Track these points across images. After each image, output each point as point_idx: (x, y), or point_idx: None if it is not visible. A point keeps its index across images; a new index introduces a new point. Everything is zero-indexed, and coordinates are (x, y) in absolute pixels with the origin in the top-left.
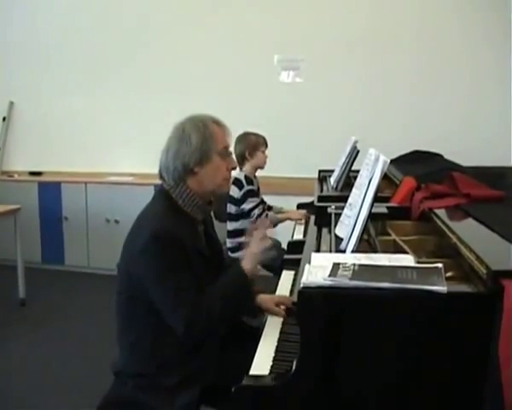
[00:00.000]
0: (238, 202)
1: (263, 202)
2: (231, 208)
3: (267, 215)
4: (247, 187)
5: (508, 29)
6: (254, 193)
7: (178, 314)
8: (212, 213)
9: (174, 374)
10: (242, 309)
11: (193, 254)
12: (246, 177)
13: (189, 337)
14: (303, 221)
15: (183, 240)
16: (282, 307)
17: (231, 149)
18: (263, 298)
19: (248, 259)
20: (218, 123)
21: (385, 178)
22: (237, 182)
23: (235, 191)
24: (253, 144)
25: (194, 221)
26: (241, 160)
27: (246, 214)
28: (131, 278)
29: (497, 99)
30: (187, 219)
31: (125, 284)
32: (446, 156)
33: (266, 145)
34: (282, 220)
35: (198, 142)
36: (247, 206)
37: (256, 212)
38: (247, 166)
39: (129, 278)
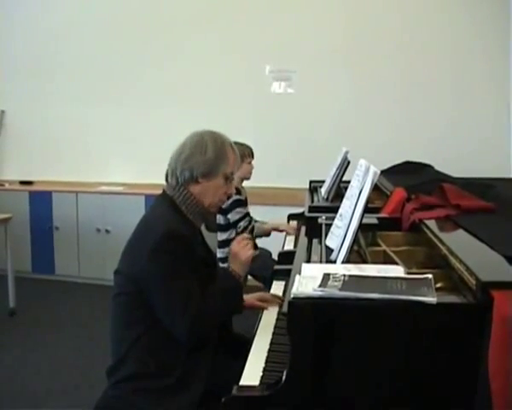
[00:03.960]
0: (226, 211)
1: (249, 214)
2: (220, 219)
3: (253, 227)
4: (234, 197)
5: (502, 30)
6: (242, 203)
7: (183, 322)
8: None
9: (173, 375)
10: (235, 310)
11: (197, 259)
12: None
13: (189, 343)
14: (292, 232)
15: (191, 244)
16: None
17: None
18: (245, 298)
19: (233, 261)
20: (233, 149)
21: (375, 188)
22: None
23: None
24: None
25: (195, 228)
26: None
27: (232, 225)
28: (134, 280)
29: (492, 105)
30: (189, 225)
31: (126, 286)
32: (440, 166)
33: (252, 156)
34: (268, 231)
35: (212, 156)
36: (233, 217)
37: (242, 224)
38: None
39: (131, 280)
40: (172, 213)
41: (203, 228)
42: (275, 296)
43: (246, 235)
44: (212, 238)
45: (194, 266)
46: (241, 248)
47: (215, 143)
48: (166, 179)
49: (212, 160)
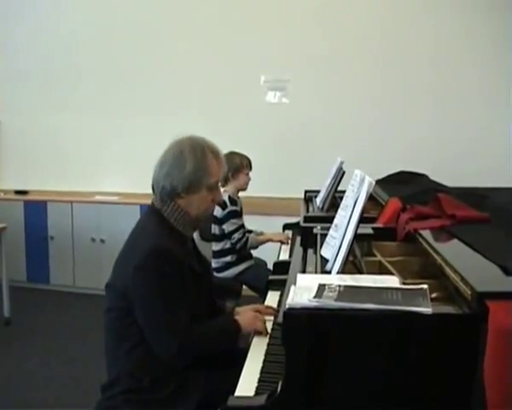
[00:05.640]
0: (221, 221)
1: (243, 226)
2: (215, 229)
3: (248, 239)
4: (230, 207)
5: (502, 31)
6: (237, 214)
7: (170, 345)
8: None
9: (167, 387)
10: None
11: (187, 272)
12: (229, 197)
13: (171, 363)
14: (287, 243)
15: (179, 257)
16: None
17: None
18: (239, 310)
19: (247, 322)
20: (216, 155)
21: (371, 198)
22: (221, 202)
23: (218, 211)
24: (236, 166)
25: (185, 239)
26: (224, 180)
27: (227, 236)
28: (124, 296)
29: (492, 110)
30: (179, 236)
31: (117, 302)
32: (438, 175)
33: (250, 167)
34: (262, 242)
35: (191, 171)
36: (228, 227)
37: (236, 236)
38: (230, 187)
39: (121, 296)
40: (160, 228)
41: (197, 238)
42: (269, 308)
43: (272, 308)
44: (208, 249)
45: (182, 279)
46: (257, 317)
47: (194, 155)
48: (153, 190)
49: (191, 174)
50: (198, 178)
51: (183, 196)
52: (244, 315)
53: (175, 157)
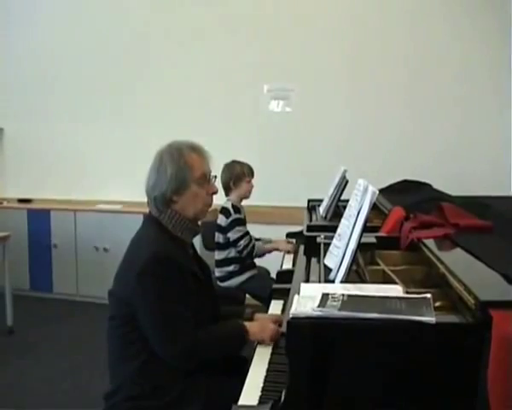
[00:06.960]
0: (225, 230)
1: (249, 233)
2: (219, 237)
3: (254, 246)
4: (234, 215)
5: (505, 43)
6: (241, 222)
7: (174, 349)
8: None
9: (168, 395)
10: (230, 353)
11: (188, 277)
12: (233, 205)
13: (181, 368)
14: (291, 251)
15: (179, 262)
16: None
17: (213, 174)
18: (260, 317)
19: (257, 333)
20: (195, 150)
21: (374, 207)
22: (225, 211)
23: (222, 220)
24: (237, 174)
25: (185, 245)
26: (227, 189)
27: (232, 244)
28: (126, 303)
29: (493, 120)
30: (178, 242)
31: (119, 310)
32: (440, 184)
33: (252, 175)
34: (269, 251)
35: (173, 172)
36: (233, 235)
37: (242, 243)
38: (233, 196)
39: (124, 304)
40: (159, 235)
41: (200, 246)
42: None
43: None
44: (211, 258)
45: (184, 284)
46: (269, 330)
47: (172, 158)
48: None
49: (175, 175)
50: (182, 176)
51: (175, 200)
52: (254, 323)
53: (157, 167)
